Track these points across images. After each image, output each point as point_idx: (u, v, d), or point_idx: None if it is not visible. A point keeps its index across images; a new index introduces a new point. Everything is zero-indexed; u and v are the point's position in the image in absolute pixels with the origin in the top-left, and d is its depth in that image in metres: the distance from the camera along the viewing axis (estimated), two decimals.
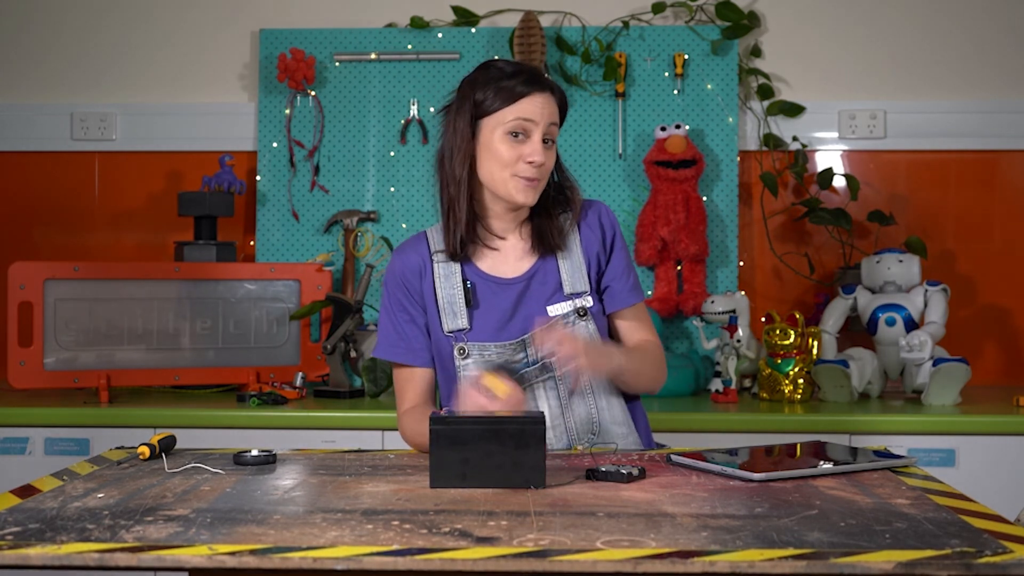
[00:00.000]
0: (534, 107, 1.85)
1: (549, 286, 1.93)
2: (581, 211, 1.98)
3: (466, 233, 1.90)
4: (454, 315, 1.90)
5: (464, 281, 1.92)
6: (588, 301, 1.93)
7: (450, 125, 1.90)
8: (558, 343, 1.77)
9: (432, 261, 1.94)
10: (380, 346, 1.97)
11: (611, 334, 2.01)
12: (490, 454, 1.53)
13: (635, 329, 2.00)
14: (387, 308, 1.96)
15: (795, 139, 3.24)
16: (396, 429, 2.65)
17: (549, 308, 1.92)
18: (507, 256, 1.95)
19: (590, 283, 1.95)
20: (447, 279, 1.92)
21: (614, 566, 1.16)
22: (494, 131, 1.86)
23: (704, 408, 2.76)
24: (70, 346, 2.91)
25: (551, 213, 1.95)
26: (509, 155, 1.85)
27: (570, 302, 1.92)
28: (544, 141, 1.87)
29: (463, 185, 1.88)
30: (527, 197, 1.87)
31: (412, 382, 1.96)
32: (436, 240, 1.96)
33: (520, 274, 1.94)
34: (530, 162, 1.84)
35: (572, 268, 1.94)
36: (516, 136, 1.85)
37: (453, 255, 1.92)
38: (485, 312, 1.91)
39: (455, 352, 1.90)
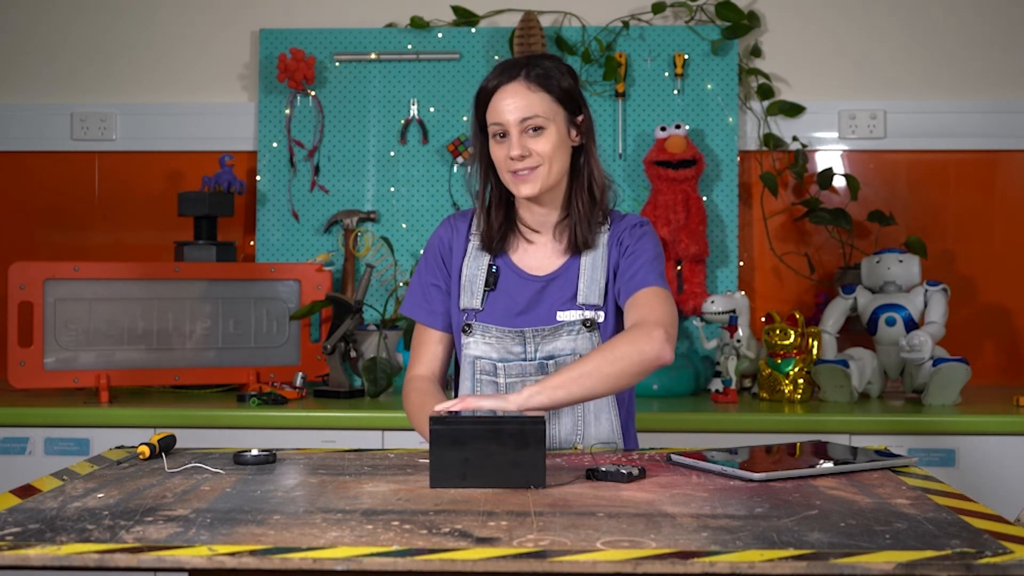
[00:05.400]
0: (503, 105, 1.88)
1: (566, 292, 1.94)
2: (621, 224, 1.97)
3: (497, 234, 1.97)
4: (472, 294, 1.96)
5: (490, 265, 1.97)
6: (599, 316, 1.93)
7: (474, 141, 1.99)
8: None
9: (468, 240, 2.00)
10: (405, 303, 2.05)
11: None
12: (490, 454, 1.53)
13: (634, 309, 1.86)
14: (420, 270, 2.04)
15: (795, 139, 3.24)
16: (396, 429, 2.66)
17: (559, 314, 1.93)
18: (538, 253, 1.98)
19: (606, 297, 1.93)
20: (475, 259, 1.98)
21: (614, 567, 1.16)
22: (490, 139, 1.92)
23: (704, 408, 2.76)
24: (70, 346, 2.91)
25: (589, 217, 1.95)
26: (499, 157, 1.91)
27: (580, 312, 1.93)
28: (533, 130, 1.88)
29: (489, 192, 1.98)
30: (526, 189, 1.90)
31: (427, 344, 2.02)
32: (479, 222, 2.03)
33: (544, 273, 1.96)
34: (511, 158, 1.88)
35: (591, 280, 1.93)
36: (503, 137, 1.90)
37: (488, 250, 1.99)
38: (500, 298, 1.95)
39: (462, 328, 1.96)
